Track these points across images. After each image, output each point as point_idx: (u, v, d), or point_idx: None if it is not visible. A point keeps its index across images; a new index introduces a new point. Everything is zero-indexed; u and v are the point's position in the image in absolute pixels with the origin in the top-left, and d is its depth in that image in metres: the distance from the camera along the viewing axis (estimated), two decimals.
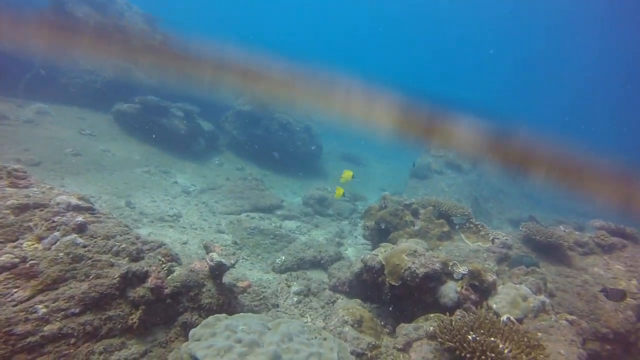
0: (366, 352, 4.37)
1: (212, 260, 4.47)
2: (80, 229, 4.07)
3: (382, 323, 5.64)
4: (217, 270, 4.56)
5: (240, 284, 5.39)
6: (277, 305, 5.69)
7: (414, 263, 5.18)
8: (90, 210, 4.56)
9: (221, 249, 4.96)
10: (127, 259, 4.17)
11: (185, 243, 7.47)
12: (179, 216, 8.81)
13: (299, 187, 14.39)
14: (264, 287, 5.90)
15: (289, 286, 6.12)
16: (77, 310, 3.55)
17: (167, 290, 4.17)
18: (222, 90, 17.27)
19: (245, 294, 5.58)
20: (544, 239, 7.12)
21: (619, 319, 6.17)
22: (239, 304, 5.21)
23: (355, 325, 4.91)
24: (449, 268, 5.24)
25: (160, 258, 4.46)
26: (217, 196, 10.73)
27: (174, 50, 15.89)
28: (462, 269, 5.19)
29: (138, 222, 7.80)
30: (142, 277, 4.06)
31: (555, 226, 13.70)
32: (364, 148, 21.82)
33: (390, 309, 5.76)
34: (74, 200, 4.43)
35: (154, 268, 4.17)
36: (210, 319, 3.71)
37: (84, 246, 3.95)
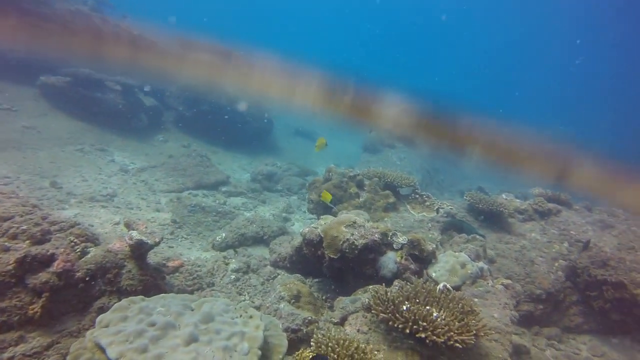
0: (302, 328, 4.19)
1: (131, 239, 4.07)
2: None
3: (324, 297, 5.49)
4: (139, 250, 4.17)
5: (171, 264, 5.03)
6: (213, 284, 5.39)
7: (352, 235, 5.02)
8: None
9: (145, 227, 4.56)
10: (27, 242, 3.68)
11: (117, 224, 6.93)
12: (114, 195, 8.19)
13: (249, 163, 13.93)
14: (199, 266, 5.57)
15: (226, 264, 5.82)
16: None
17: (79, 274, 3.75)
18: (165, 70, 16.29)
19: (177, 274, 5.23)
20: (486, 207, 7.23)
21: (551, 280, 6.41)
22: (168, 285, 4.87)
23: (293, 301, 4.72)
24: (389, 238, 5.14)
25: (72, 239, 4.00)
26: (158, 174, 10.11)
27: (115, 35, 14.67)
28: (402, 239, 5.11)
29: (64, 202, 7.15)
30: (47, 261, 3.62)
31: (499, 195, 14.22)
32: (318, 124, 21.51)
33: (332, 282, 5.64)
34: None
35: (62, 250, 3.73)
36: (124, 301, 3.36)
37: None
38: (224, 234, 7.09)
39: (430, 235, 6.77)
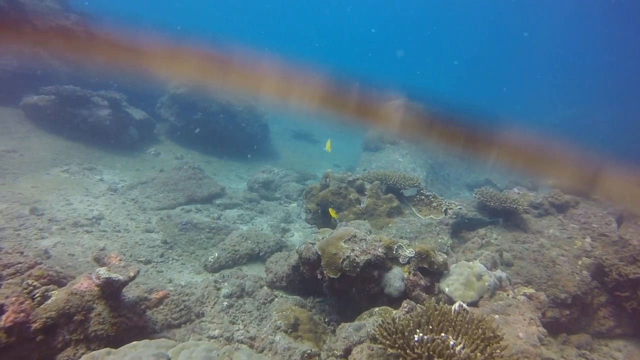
0: None
1: (98, 278, 3.56)
2: None
3: (326, 320, 4.97)
4: (109, 289, 3.66)
5: (154, 296, 4.51)
6: (203, 314, 4.88)
7: (353, 250, 4.48)
8: None
9: (119, 259, 4.05)
10: None
11: (102, 250, 6.45)
12: (100, 218, 7.70)
13: (246, 172, 13.42)
14: (187, 295, 5.05)
15: (218, 289, 5.30)
16: None
17: (36, 325, 3.25)
18: (153, 75, 15.80)
19: (162, 307, 4.72)
20: (498, 205, 6.65)
21: (576, 282, 5.83)
22: (150, 321, 4.36)
23: (290, 331, 4.20)
24: (394, 252, 4.59)
25: (30, 283, 3.50)
26: (149, 190, 9.62)
27: (94, 33, 14.23)
28: (409, 252, 4.56)
29: (44, 231, 6.66)
30: None
31: (510, 189, 13.61)
32: (316, 126, 20.97)
33: (334, 301, 5.12)
34: None
35: (14, 299, 3.23)
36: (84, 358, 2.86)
37: None
38: (216, 254, 6.58)
39: (440, 240, 6.21)
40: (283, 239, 7.73)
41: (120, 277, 3.68)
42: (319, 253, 4.69)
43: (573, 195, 7.41)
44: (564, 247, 6.39)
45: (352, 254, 4.44)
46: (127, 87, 13.63)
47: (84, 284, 3.62)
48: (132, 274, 3.86)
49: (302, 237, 8.38)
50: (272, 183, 10.93)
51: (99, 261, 3.95)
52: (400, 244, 4.63)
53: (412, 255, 4.53)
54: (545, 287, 5.76)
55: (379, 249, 4.49)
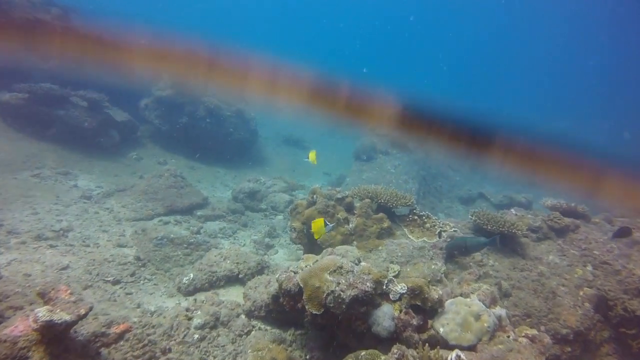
0: None
1: (36, 321, 3.03)
2: None
3: (307, 357, 4.49)
4: (51, 332, 3.14)
5: (114, 330, 3.97)
6: (170, 350, 4.35)
7: (338, 284, 4.00)
8: None
9: (69, 293, 3.52)
10: None
11: (65, 268, 5.88)
12: (69, 230, 7.13)
13: (232, 179, 12.90)
14: (153, 327, 4.52)
15: (189, 318, 4.78)
16: None
17: None
18: (139, 75, 15.20)
19: (123, 342, 4.18)
20: (495, 228, 6.23)
21: (578, 316, 5.42)
22: None
23: None
24: (384, 287, 4.13)
25: None
26: (126, 199, 9.05)
27: (76, 29, 13.58)
28: (400, 287, 4.10)
29: (0, 245, 6.08)
30: None
31: (506, 206, 13.27)
32: (307, 130, 20.50)
33: (317, 335, 4.64)
34: None
35: None
36: None
37: None
38: (192, 275, 6.05)
39: (433, 266, 5.77)
40: (266, 257, 7.24)
41: (67, 318, 3.16)
42: (301, 285, 4.21)
43: (572, 218, 7.03)
44: (564, 276, 5.98)
45: (337, 288, 3.97)
46: (111, 87, 13.03)
47: (20, 326, 3.08)
48: (82, 311, 3.33)
49: (286, 254, 7.89)
50: (258, 193, 10.42)
51: (44, 296, 3.42)
52: (391, 277, 4.17)
53: (404, 291, 4.07)
54: (545, 320, 5.36)
55: (368, 283, 4.02)
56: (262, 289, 5.21)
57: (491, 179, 20.81)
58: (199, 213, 9.05)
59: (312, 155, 7.13)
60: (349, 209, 6.52)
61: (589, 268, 6.13)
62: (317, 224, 5.09)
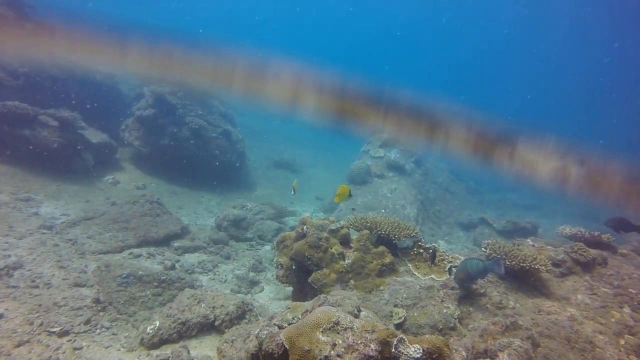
0: None
1: None
2: None
3: None
4: None
5: None
6: None
7: (334, 346, 3.07)
8: None
9: None
10: None
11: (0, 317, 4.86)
12: (16, 267, 6.09)
13: (217, 205, 11.93)
14: None
15: None
16: None
17: None
18: (118, 90, 14.36)
19: None
20: (515, 264, 5.35)
21: None
22: None
23: None
24: (393, 350, 3.19)
25: None
26: (94, 228, 8.04)
27: (50, 39, 12.71)
28: (414, 350, 3.16)
29: None
30: None
31: (509, 232, 12.42)
32: (298, 153, 19.71)
33: None
34: None
35: None
36: None
37: None
38: (157, 322, 5.04)
39: (445, 310, 4.85)
40: (249, 295, 6.26)
41: None
42: (286, 346, 3.25)
43: (598, 249, 6.19)
44: (599, 321, 5.09)
45: (332, 352, 3.03)
46: (86, 103, 12.18)
47: None
48: None
49: (273, 292, 6.90)
50: (243, 221, 9.47)
51: None
52: (401, 337, 3.23)
53: (419, 355, 3.13)
54: None
55: (372, 345, 3.09)
56: (240, 344, 4.22)
57: (488, 202, 20.09)
58: (176, 244, 8.05)
59: (294, 185, 6.55)
60: (345, 241, 5.61)
61: (627, 310, 5.25)
62: (344, 189, 5.51)
